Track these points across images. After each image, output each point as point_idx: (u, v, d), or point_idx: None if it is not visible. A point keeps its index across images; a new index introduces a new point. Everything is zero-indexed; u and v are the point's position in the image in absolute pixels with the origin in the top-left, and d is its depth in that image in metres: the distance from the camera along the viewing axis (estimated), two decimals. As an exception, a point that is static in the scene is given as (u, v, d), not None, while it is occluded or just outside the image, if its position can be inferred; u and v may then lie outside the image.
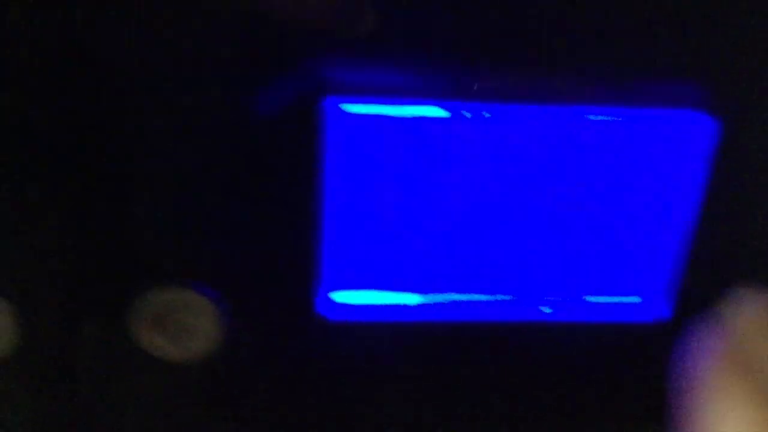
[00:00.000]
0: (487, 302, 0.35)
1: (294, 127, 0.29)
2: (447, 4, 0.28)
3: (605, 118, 0.32)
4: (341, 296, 0.33)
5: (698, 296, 0.35)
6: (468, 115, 0.31)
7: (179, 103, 0.29)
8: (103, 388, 0.33)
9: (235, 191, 0.30)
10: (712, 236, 0.34)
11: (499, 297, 0.35)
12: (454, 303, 0.35)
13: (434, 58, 0.30)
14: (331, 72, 0.29)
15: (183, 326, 0.31)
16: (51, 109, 0.28)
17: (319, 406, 0.35)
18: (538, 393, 0.37)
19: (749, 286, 0.32)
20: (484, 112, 0.31)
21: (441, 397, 0.37)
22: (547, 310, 0.35)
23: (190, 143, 0.29)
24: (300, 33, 0.28)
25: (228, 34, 0.27)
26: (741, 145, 0.32)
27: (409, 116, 0.31)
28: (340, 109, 0.30)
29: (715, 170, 0.33)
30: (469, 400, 0.37)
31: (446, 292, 0.35)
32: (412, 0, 0.28)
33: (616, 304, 0.36)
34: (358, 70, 0.29)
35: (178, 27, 0.27)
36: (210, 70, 0.28)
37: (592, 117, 0.32)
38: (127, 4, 0.26)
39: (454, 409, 0.37)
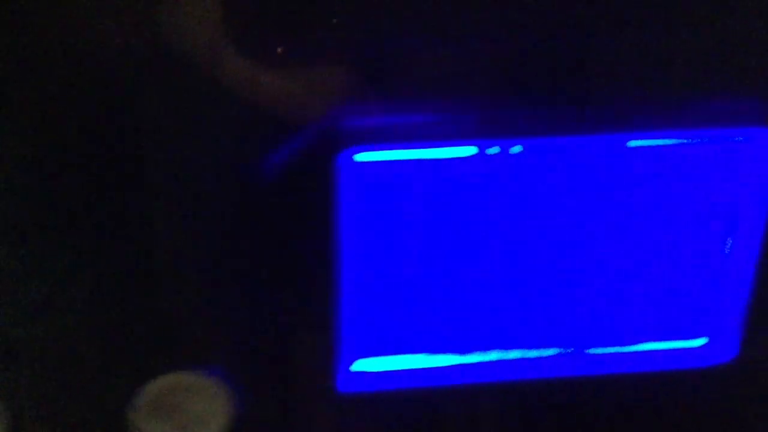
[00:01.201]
0: (534, 359, 0.31)
1: (308, 187, 0.26)
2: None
3: (652, 143, 0.29)
4: (365, 365, 0.30)
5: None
6: (496, 150, 0.28)
7: (191, 167, 0.26)
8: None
9: (250, 258, 0.27)
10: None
11: (545, 352, 0.32)
12: (493, 363, 0.31)
13: (452, 99, 0.27)
14: (343, 123, 0.26)
15: (192, 414, 0.28)
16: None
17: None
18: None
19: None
20: (515, 148, 0.28)
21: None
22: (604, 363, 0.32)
23: (204, 217, 0.27)
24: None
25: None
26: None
27: (429, 158, 0.27)
28: (354, 161, 0.26)
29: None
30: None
31: (485, 351, 0.31)
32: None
33: (676, 350, 0.32)
34: (368, 119, 0.26)
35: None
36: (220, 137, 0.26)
37: (634, 144, 0.28)
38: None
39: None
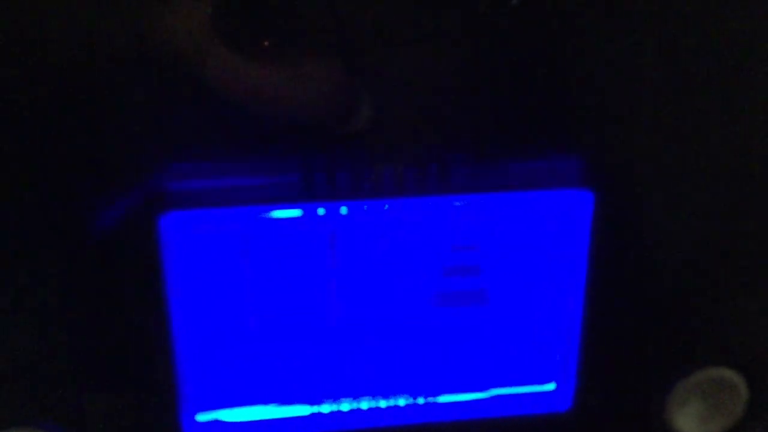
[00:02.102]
0: (384, 408, 0.33)
1: (134, 246, 0.28)
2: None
3: (475, 204, 0.31)
4: (211, 416, 0.31)
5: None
6: (322, 212, 0.30)
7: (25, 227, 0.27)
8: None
9: (88, 318, 0.29)
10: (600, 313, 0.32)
11: (395, 401, 0.33)
12: (343, 412, 0.33)
13: (278, 161, 0.29)
14: (168, 185, 0.28)
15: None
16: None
17: None
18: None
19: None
20: (342, 209, 0.30)
21: None
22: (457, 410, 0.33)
23: (39, 275, 0.28)
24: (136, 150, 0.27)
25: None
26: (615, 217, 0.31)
27: (255, 218, 0.29)
28: (178, 220, 0.28)
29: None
30: None
31: (334, 400, 0.33)
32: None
33: (524, 395, 0.34)
34: (195, 180, 0.28)
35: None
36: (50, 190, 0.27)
37: (458, 204, 0.31)
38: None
39: None
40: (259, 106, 0.25)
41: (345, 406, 0.33)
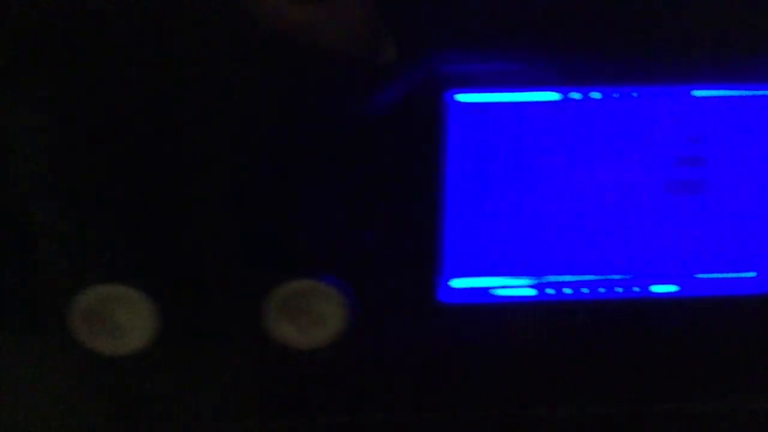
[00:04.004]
0: (601, 281, 0.36)
1: (417, 121, 0.30)
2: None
3: (714, 94, 0.33)
4: (461, 283, 0.34)
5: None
6: (578, 96, 0.32)
7: (306, 104, 0.30)
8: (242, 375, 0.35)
9: (362, 187, 0.32)
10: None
11: (613, 277, 0.36)
12: (568, 283, 0.36)
13: (543, 48, 0.31)
14: (449, 66, 0.30)
15: (312, 316, 0.33)
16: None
17: (439, 381, 0.36)
18: (653, 367, 0.37)
19: None
20: (594, 94, 0.32)
21: (552, 370, 0.37)
22: (668, 288, 0.36)
23: (320, 144, 0.31)
24: (418, 32, 0.30)
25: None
26: None
27: (523, 102, 0.32)
28: (458, 101, 0.31)
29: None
30: (579, 375, 0.37)
31: (561, 274, 0.35)
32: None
33: (730, 279, 0.36)
34: (473, 64, 0.31)
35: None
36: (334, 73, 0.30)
37: (697, 94, 0.32)
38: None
39: (565, 381, 0.38)
40: (305, 41, 0.28)
41: (568, 279, 0.35)
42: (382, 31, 0.29)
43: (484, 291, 0.35)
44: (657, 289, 0.36)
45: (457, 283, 0.34)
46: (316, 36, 0.28)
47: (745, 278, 0.36)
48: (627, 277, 0.36)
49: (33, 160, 0.30)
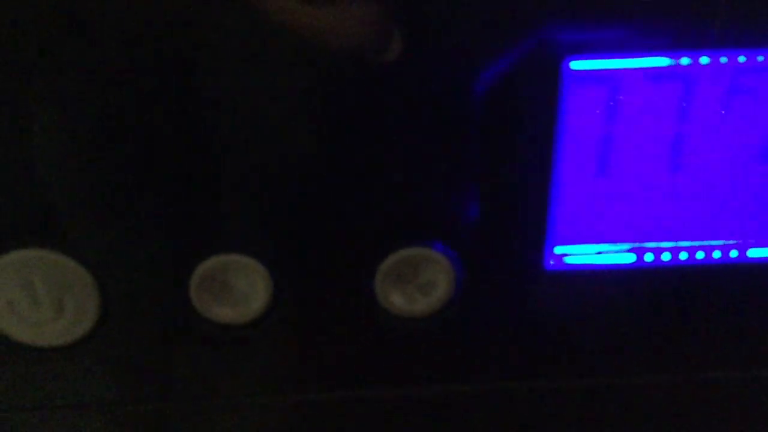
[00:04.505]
0: (699, 247, 0.36)
1: (532, 89, 0.31)
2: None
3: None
4: (565, 249, 0.35)
5: None
6: (687, 62, 0.32)
7: (418, 74, 0.31)
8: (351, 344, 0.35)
9: (473, 155, 0.32)
10: None
11: (710, 243, 0.36)
12: (665, 249, 0.36)
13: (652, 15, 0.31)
14: (562, 35, 0.30)
15: (422, 283, 0.33)
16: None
17: (542, 346, 0.37)
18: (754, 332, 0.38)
19: None
20: (703, 58, 0.32)
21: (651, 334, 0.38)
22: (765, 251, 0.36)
23: (432, 113, 0.31)
24: (532, 3, 0.30)
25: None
26: None
27: (635, 68, 0.32)
28: (572, 68, 0.31)
29: None
30: (670, 336, 0.38)
31: (660, 240, 0.36)
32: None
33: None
34: (585, 32, 0.31)
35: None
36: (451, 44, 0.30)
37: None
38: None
39: (661, 343, 0.38)
40: (313, 40, 0.29)
41: (666, 256, 0.36)
42: (390, 28, 0.29)
43: (587, 258, 0.35)
44: (755, 253, 0.36)
45: (560, 250, 0.35)
46: (327, 35, 0.29)
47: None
48: (725, 242, 0.36)
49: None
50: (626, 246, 0.35)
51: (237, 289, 0.32)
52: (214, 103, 0.30)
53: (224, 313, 0.32)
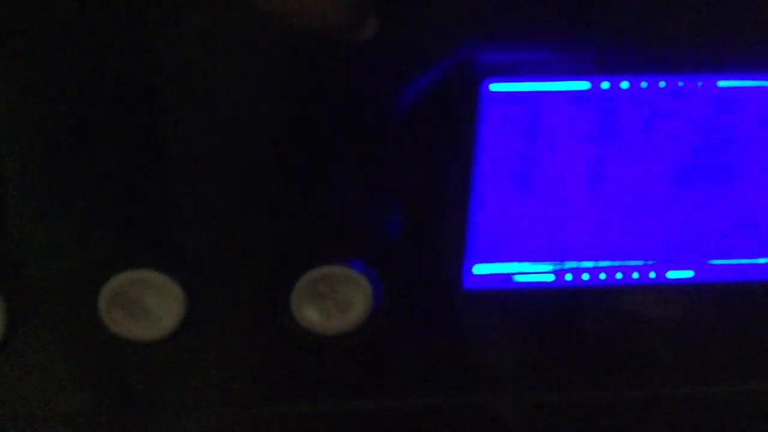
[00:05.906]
0: (618, 267, 0.36)
1: (452, 110, 0.30)
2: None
3: (736, 85, 0.33)
4: (487, 268, 0.35)
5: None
6: (607, 86, 0.32)
7: (340, 93, 0.30)
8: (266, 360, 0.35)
9: (392, 173, 0.32)
10: None
11: (629, 263, 0.36)
12: (586, 269, 0.36)
13: (573, 40, 0.31)
14: (483, 57, 0.30)
15: (340, 301, 0.33)
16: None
17: (461, 367, 0.37)
18: (669, 350, 0.38)
19: None
20: (623, 83, 0.32)
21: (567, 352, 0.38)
22: (683, 273, 0.36)
23: (352, 131, 0.31)
24: (454, 24, 0.30)
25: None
26: None
27: (552, 91, 0.32)
28: (492, 90, 0.31)
29: None
30: (589, 356, 0.38)
31: (580, 260, 0.36)
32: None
33: (743, 265, 0.37)
34: (507, 54, 0.31)
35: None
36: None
37: (721, 84, 0.33)
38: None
39: (580, 361, 0.38)
40: (289, 19, 0.27)
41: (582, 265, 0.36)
42: (366, 7, 0.28)
43: (506, 277, 0.35)
44: (673, 275, 0.37)
45: (479, 269, 0.35)
46: (303, 14, 0.26)
47: (760, 264, 0.37)
48: (647, 263, 0.36)
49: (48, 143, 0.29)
50: (546, 266, 0.36)
51: (149, 306, 0.31)
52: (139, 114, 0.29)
53: (136, 329, 0.32)
